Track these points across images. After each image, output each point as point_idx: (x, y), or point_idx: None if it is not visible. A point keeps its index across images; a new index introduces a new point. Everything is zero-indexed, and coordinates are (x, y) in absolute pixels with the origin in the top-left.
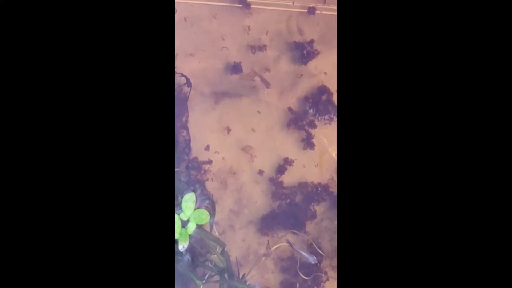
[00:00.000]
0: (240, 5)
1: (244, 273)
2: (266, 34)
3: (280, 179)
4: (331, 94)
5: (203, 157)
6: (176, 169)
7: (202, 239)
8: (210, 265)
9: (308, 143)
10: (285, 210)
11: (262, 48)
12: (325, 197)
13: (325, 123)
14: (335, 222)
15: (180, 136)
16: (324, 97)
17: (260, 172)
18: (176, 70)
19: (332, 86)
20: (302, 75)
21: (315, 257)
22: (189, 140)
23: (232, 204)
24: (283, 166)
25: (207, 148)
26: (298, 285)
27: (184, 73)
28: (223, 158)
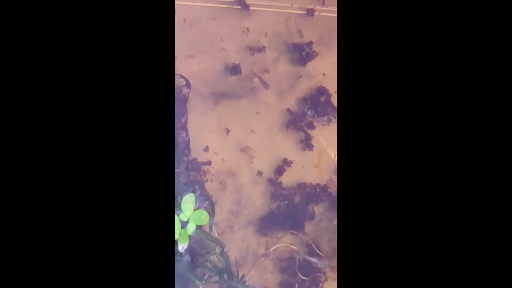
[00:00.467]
0: (239, 7)
1: (243, 274)
2: (265, 36)
3: (279, 180)
4: (330, 95)
5: (202, 158)
6: (175, 170)
7: (202, 240)
8: (209, 265)
9: (307, 144)
10: (284, 210)
11: (261, 49)
12: (324, 198)
13: (323, 124)
14: (334, 223)
15: (179, 137)
16: (323, 98)
17: (259, 173)
18: (175, 71)
19: (331, 87)
20: (301, 76)
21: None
22: (189, 141)
23: (231, 205)
24: (282, 167)
25: (206, 149)
26: (297, 285)
27: (184, 75)
28: (222, 159)
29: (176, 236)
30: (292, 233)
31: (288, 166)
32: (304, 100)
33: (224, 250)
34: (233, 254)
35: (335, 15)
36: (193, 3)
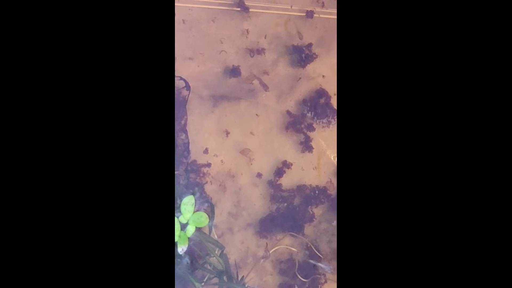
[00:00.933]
0: (239, 9)
1: (243, 276)
2: (265, 38)
3: (278, 182)
4: (330, 97)
5: (202, 160)
6: (175, 172)
7: (201, 242)
8: (209, 267)
9: (306, 146)
10: (284, 212)
11: (260, 51)
12: (323, 199)
13: (323, 126)
14: (334, 225)
15: (179, 139)
16: (322, 100)
17: (259, 175)
18: (175, 73)
19: (331, 89)
20: (300, 78)
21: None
22: (188, 143)
23: (231, 207)
24: (282, 169)
25: (205, 151)
26: (296, 287)
27: (183, 77)
28: (221, 161)
29: (176, 238)
30: (292, 235)
31: (288, 168)
32: (303, 102)
33: (224, 252)
34: (233, 256)
35: (335, 17)
36: (192, 5)
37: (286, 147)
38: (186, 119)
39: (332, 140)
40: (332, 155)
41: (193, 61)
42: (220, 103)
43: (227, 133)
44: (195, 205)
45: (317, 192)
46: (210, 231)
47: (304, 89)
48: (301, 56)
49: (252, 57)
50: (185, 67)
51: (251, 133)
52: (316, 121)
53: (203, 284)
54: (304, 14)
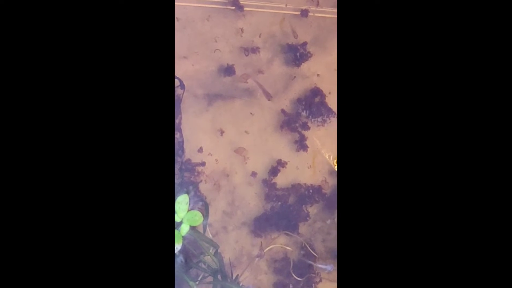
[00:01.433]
0: (233, 8)
1: (238, 274)
2: (259, 36)
3: (273, 181)
4: (324, 96)
5: (196, 159)
6: None
7: (196, 241)
8: (203, 266)
9: (301, 145)
10: (278, 211)
11: (255, 50)
12: (318, 198)
13: (318, 125)
14: (328, 223)
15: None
16: (317, 99)
17: (253, 174)
18: None
19: (325, 88)
20: (295, 77)
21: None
22: (182, 142)
23: (225, 205)
24: (276, 167)
25: (200, 150)
26: (291, 286)
27: (178, 75)
28: (216, 160)
29: None
30: (287, 234)
31: (283, 167)
32: (298, 101)
33: (218, 250)
34: (227, 255)
35: (330, 15)
36: (187, 4)
37: (281, 146)
38: (181, 117)
39: (327, 139)
40: (327, 154)
41: (188, 60)
42: (214, 101)
43: (222, 132)
44: (189, 204)
45: (312, 191)
46: (204, 230)
47: (299, 88)
48: (296, 55)
49: (246, 56)
50: (179, 66)
51: (246, 132)
52: (311, 119)
53: (197, 283)
54: (299, 12)
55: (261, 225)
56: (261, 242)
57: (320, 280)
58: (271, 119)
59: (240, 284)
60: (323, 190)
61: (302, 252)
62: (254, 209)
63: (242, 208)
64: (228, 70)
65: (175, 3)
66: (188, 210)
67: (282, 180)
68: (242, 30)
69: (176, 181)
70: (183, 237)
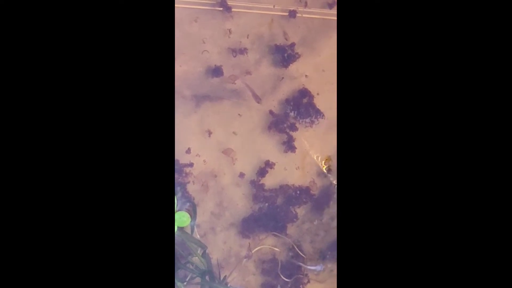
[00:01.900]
0: (221, 9)
1: (225, 275)
2: (247, 37)
3: (261, 182)
4: (312, 97)
5: (184, 160)
6: None
7: (183, 242)
8: (191, 267)
9: (289, 146)
10: (266, 212)
11: (243, 51)
12: (306, 199)
13: (306, 126)
14: (315, 224)
15: None
16: (305, 100)
17: (241, 175)
18: None
19: (313, 88)
20: (283, 78)
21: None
22: None
23: (213, 206)
24: (264, 169)
25: (188, 151)
26: (279, 287)
27: None
28: (204, 161)
29: None
30: (275, 235)
31: (271, 168)
32: (286, 101)
33: (206, 251)
34: (215, 255)
35: (318, 16)
36: (175, 5)
37: (269, 147)
38: None
39: (315, 140)
40: (315, 155)
41: (176, 61)
42: (202, 103)
43: (210, 133)
44: (177, 205)
45: (300, 192)
46: (192, 231)
47: (287, 89)
48: (284, 55)
49: (234, 57)
50: None
51: (234, 133)
52: (299, 120)
53: (185, 283)
54: (287, 13)
55: (249, 226)
56: (249, 243)
57: (308, 281)
58: (259, 120)
59: (228, 285)
60: (311, 191)
61: (290, 254)
62: (242, 210)
63: (230, 209)
64: (216, 71)
65: None
66: (176, 211)
67: (270, 181)
68: (230, 31)
69: None
70: None
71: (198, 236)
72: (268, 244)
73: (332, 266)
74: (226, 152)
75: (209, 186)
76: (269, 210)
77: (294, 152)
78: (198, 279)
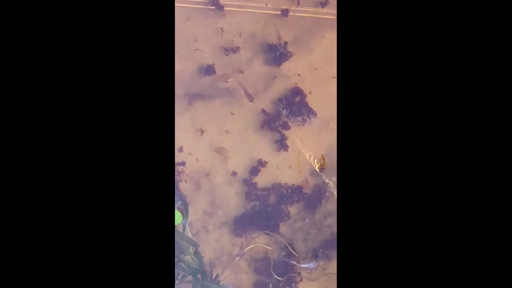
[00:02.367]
0: (214, 7)
1: (218, 274)
2: (240, 36)
3: (253, 181)
4: (305, 95)
5: (176, 158)
6: None
7: (175, 240)
8: (183, 265)
9: (281, 144)
10: (259, 211)
11: (235, 50)
12: (299, 198)
13: (298, 125)
14: (308, 222)
15: None
16: (297, 99)
17: (234, 174)
18: None
19: (306, 87)
20: (275, 76)
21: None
22: None
23: (206, 205)
24: (257, 167)
25: (180, 149)
26: (271, 285)
27: None
28: (196, 159)
29: None
30: (267, 234)
31: (263, 167)
32: (279, 100)
33: (198, 250)
34: (208, 254)
35: (310, 15)
36: None
37: (261, 146)
38: None
39: (308, 139)
40: (307, 154)
41: None
42: (195, 101)
43: (202, 131)
44: None
45: (292, 191)
46: (184, 229)
47: (279, 88)
48: (276, 54)
49: (227, 55)
50: None
51: (226, 131)
52: (291, 119)
53: (177, 282)
54: (279, 12)
55: (242, 224)
56: (242, 241)
57: (301, 280)
58: (251, 119)
59: (220, 283)
60: (303, 190)
61: (282, 253)
62: (234, 209)
63: (222, 208)
64: (209, 70)
65: None
66: None
67: (263, 179)
68: (222, 30)
69: None
70: None
71: (190, 235)
72: (260, 242)
73: (325, 264)
74: (219, 150)
75: (202, 185)
76: (262, 209)
77: (287, 150)
78: (190, 278)
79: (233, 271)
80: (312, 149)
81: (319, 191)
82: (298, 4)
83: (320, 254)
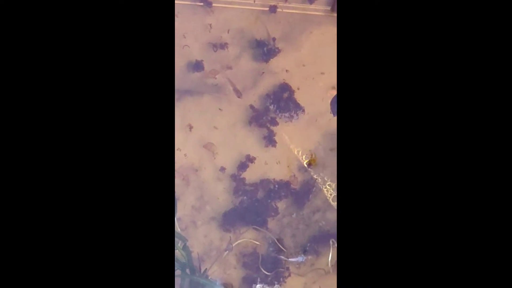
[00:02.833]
0: (202, 4)
1: (206, 268)
2: (228, 32)
3: (242, 176)
4: (293, 91)
5: None
6: None
7: None
8: None
9: (270, 140)
10: (247, 206)
11: (223, 46)
12: (287, 194)
13: (286, 121)
14: (296, 218)
15: None
16: (285, 95)
17: (222, 169)
18: None
19: (294, 83)
20: (263, 72)
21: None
22: None
23: (194, 200)
24: (245, 163)
25: None
26: (259, 280)
27: None
28: (185, 155)
29: None
30: (255, 229)
31: (251, 162)
32: (267, 96)
33: (187, 244)
34: (196, 249)
35: (298, 11)
36: None
37: (249, 141)
38: None
39: (295, 135)
40: (295, 149)
41: None
42: (183, 97)
43: (191, 127)
44: None
45: (280, 186)
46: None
47: (267, 84)
48: (264, 50)
49: (215, 51)
50: None
51: (215, 127)
52: (279, 115)
53: None
54: (268, 8)
55: (230, 219)
56: (230, 236)
57: (289, 275)
58: (240, 115)
59: (209, 278)
60: (291, 186)
61: (270, 249)
62: (223, 204)
63: (211, 203)
64: (197, 66)
65: None
66: None
67: (251, 175)
68: (210, 26)
69: None
70: None
71: (179, 229)
72: (249, 237)
73: (313, 260)
74: (207, 146)
75: (190, 180)
76: (250, 204)
77: (275, 146)
78: (178, 272)
79: (222, 265)
80: (300, 145)
81: (307, 187)
82: (286, 1)
83: (308, 249)
